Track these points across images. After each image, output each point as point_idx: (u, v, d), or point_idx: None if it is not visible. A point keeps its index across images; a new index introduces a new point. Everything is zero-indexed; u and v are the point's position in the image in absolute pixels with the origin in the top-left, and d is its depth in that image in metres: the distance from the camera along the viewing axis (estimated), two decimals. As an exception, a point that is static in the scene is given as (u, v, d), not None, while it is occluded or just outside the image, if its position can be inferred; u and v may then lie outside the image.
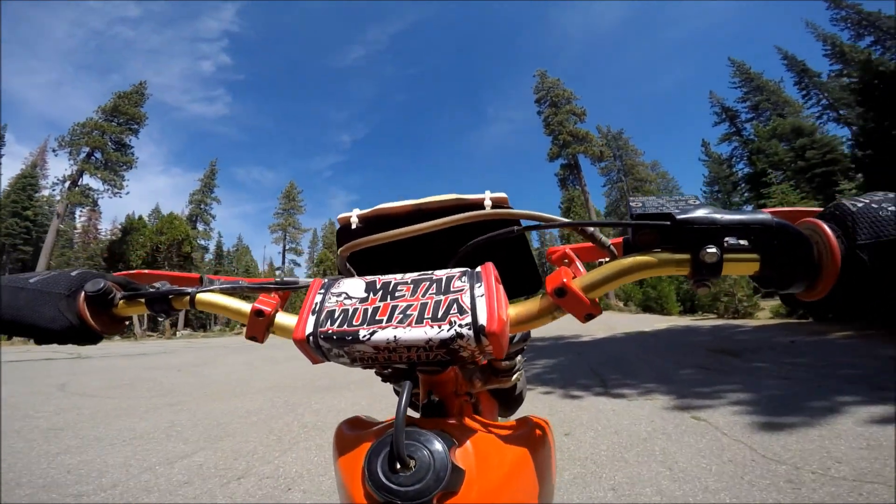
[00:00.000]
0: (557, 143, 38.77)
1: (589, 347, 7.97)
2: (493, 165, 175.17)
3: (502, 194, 0.44)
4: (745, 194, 33.70)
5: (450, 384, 0.44)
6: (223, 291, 0.46)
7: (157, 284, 0.48)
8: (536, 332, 7.32)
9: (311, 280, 0.41)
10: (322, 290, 0.38)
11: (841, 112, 30.28)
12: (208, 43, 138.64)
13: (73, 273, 0.48)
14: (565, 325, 12.45)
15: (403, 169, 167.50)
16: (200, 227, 49.53)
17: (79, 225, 50.75)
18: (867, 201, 0.32)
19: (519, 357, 0.67)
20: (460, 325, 0.32)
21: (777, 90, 34.58)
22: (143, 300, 0.46)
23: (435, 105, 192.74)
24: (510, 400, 0.84)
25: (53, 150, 35.71)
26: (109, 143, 36.48)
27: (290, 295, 0.48)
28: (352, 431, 0.41)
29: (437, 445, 0.31)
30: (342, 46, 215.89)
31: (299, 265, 63.00)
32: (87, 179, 35.68)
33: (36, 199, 36.47)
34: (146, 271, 0.57)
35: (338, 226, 0.49)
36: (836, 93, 30.00)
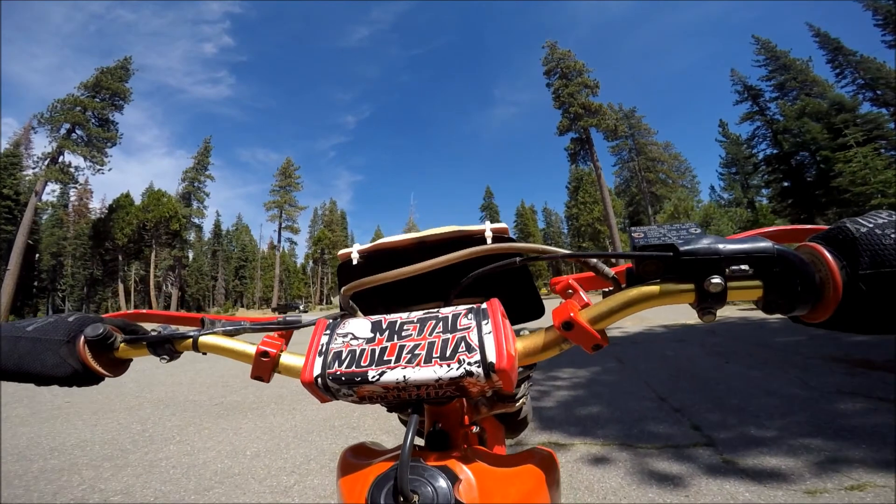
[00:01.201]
0: (568, 115, 36.16)
1: (630, 350, 5.79)
2: (499, 147, 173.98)
3: (503, 225, 0.45)
4: (766, 176, 32.81)
5: (455, 414, 0.44)
6: (226, 333, 0.46)
7: (158, 328, 0.47)
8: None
9: (314, 319, 0.41)
10: (328, 331, 0.38)
11: (878, 92, 28.11)
12: (210, 25, 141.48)
13: (71, 318, 0.47)
14: None
15: (408, 149, 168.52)
16: (195, 205, 47.69)
17: (71, 205, 49.39)
18: (871, 225, 0.32)
19: (525, 384, 0.67)
20: (469, 364, 0.32)
21: (805, 69, 32.30)
22: (144, 343, 0.46)
23: (440, 86, 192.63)
24: (515, 423, 0.83)
25: (33, 128, 34.38)
26: (92, 120, 34.93)
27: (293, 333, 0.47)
28: (356, 460, 0.41)
29: (441, 482, 0.31)
30: (346, 27, 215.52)
31: (296, 243, 61.47)
32: (70, 157, 34.00)
33: (18, 177, 34.58)
34: (143, 311, 0.54)
35: (339, 261, 0.50)
36: (873, 71, 27.80)
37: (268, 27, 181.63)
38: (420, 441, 0.41)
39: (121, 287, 38.18)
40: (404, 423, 0.64)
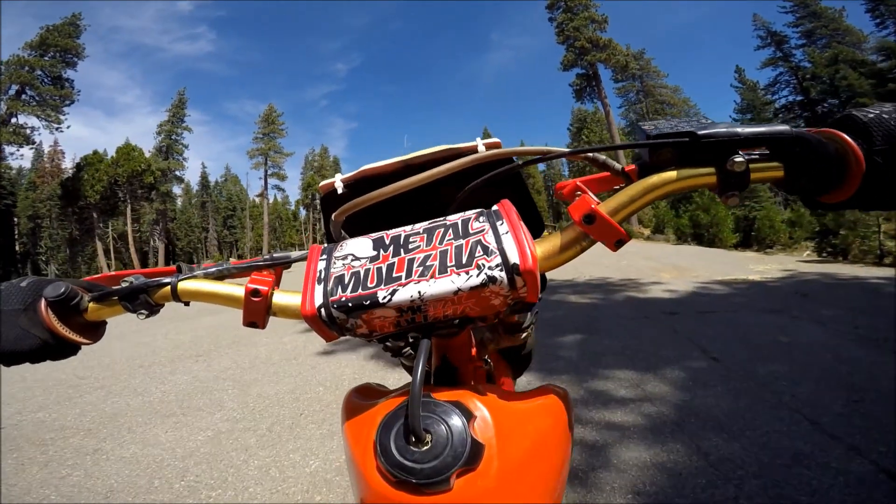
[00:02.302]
0: (574, 50, 32.35)
1: (707, 328, 3.89)
2: (497, 90, 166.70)
3: (495, 140, 0.42)
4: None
5: (464, 348, 0.42)
6: (208, 277, 0.41)
7: (129, 279, 0.41)
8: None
9: (305, 252, 0.38)
10: (324, 256, 0.34)
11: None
12: None
13: (24, 283, 0.41)
14: (593, 266, 9.04)
15: (403, 95, 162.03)
16: (175, 157, 44.96)
17: (42, 166, 46.79)
18: (877, 111, 0.33)
19: (530, 313, 0.63)
20: (490, 268, 0.28)
21: (837, 18, 31.17)
22: (116, 298, 0.40)
23: (434, 31, 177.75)
24: (519, 359, 0.80)
25: (-18, 95, 32.11)
26: (45, 79, 33.00)
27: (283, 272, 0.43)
28: (362, 400, 0.38)
29: (455, 418, 0.28)
30: None
31: (284, 190, 59.15)
32: (24, 119, 32.59)
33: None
34: (115, 273, 0.47)
35: (320, 194, 0.46)
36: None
37: None
38: (429, 386, 0.37)
39: (99, 245, 36.68)
40: (408, 369, 0.59)
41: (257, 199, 61.24)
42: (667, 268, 8.90)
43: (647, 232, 27.87)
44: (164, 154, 44.84)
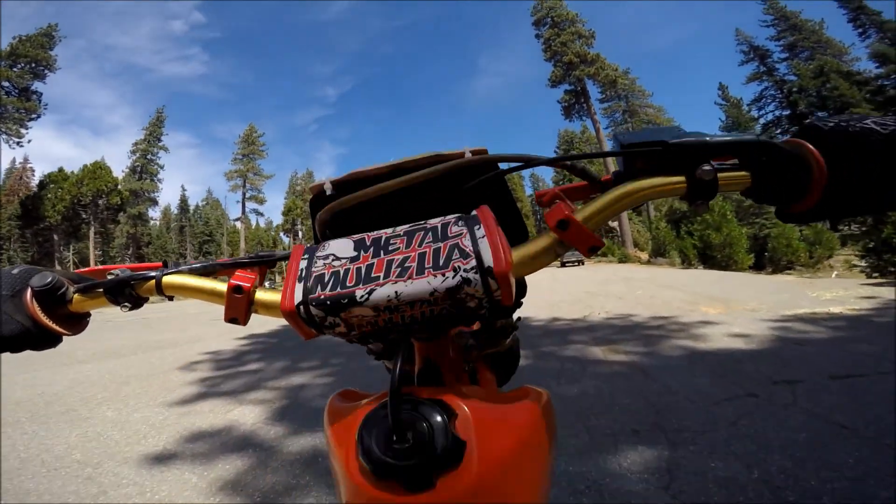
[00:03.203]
0: (561, 65, 31.82)
1: (860, 409, 2.25)
2: (484, 118, 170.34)
3: (482, 147, 0.42)
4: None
5: (446, 352, 0.43)
6: (193, 272, 0.42)
7: (115, 271, 0.43)
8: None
9: (289, 251, 0.38)
10: (306, 256, 0.35)
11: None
12: (179, 2, 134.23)
13: (15, 270, 0.42)
14: (604, 297, 7.26)
15: (391, 121, 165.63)
16: (147, 178, 42.96)
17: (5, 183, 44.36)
18: (837, 120, 0.34)
19: (515, 315, 0.66)
20: (465, 270, 0.29)
21: (817, 30, 32.29)
22: (101, 290, 0.41)
23: (423, 57, 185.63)
24: (505, 365, 0.79)
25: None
26: (13, 91, 31.32)
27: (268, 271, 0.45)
28: (343, 403, 0.39)
29: (436, 416, 0.28)
30: None
31: (262, 214, 57.19)
32: None
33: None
34: (103, 266, 0.49)
35: (310, 195, 0.45)
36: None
37: (241, 2, 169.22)
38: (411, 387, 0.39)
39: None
40: (393, 363, 0.57)
41: (239, 224, 59.35)
42: (702, 299, 7.23)
43: (644, 255, 26.61)
44: (137, 174, 43.08)
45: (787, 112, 32.07)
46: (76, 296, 0.42)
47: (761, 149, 0.34)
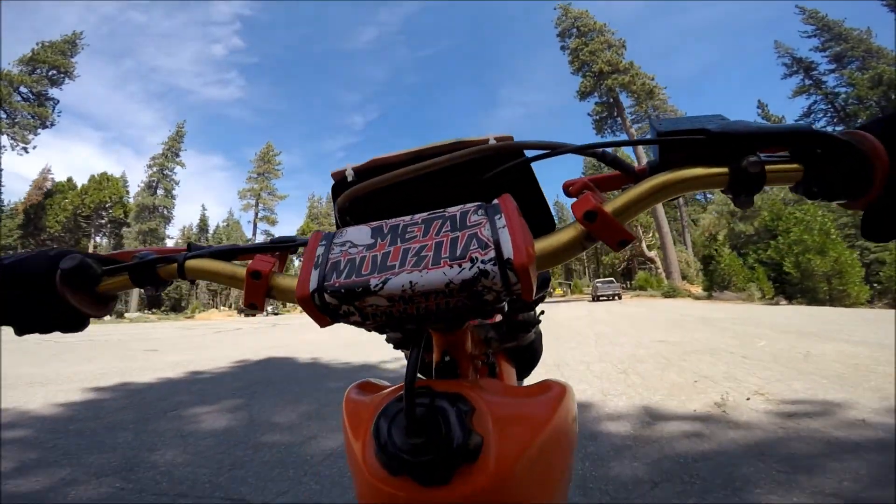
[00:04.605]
0: (591, 75, 29.32)
1: None
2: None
3: (508, 135, 0.40)
4: None
5: (465, 344, 0.42)
6: (214, 255, 0.42)
7: (139, 254, 0.43)
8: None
9: (308, 236, 0.38)
10: (324, 242, 0.34)
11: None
12: (220, 26, 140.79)
13: (51, 252, 0.43)
14: (710, 357, 4.28)
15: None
16: (161, 193, 42.21)
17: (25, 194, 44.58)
18: None
19: (538, 308, 0.65)
20: (483, 262, 0.28)
21: (865, 38, 29.62)
22: (126, 273, 0.42)
23: (447, 87, 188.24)
24: (526, 360, 0.78)
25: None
26: (30, 95, 30.81)
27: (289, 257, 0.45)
28: (361, 396, 0.38)
29: (453, 410, 0.28)
30: (354, 28, 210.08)
31: (273, 236, 56.07)
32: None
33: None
34: (128, 250, 0.49)
35: (332, 181, 0.45)
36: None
37: (277, 28, 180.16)
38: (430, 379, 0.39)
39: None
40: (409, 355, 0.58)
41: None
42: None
43: (695, 289, 22.91)
44: (153, 189, 42.45)
45: (839, 128, 28.75)
46: (103, 278, 0.42)
47: (816, 139, 0.31)
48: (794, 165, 0.32)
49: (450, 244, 0.30)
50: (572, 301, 22.41)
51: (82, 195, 31.59)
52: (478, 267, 0.28)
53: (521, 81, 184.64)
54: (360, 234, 0.34)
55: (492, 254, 0.28)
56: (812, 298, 12.77)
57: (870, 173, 0.31)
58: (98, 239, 34.05)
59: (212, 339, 10.99)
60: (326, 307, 0.30)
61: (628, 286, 36.96)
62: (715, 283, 19.51)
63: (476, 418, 0.29)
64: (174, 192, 44.17)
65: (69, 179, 33.58)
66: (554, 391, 0.36)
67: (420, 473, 0.26)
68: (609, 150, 0.37)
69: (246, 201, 46.85)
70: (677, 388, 3.46)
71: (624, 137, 30.45)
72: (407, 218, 0.34)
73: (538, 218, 0.43)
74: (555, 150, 0.37)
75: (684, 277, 23.29)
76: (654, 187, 0.32)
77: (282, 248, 0.42)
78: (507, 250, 0.28)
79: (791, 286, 13.63)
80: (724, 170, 0.32)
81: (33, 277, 0.39)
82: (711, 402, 3.03)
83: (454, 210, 0.33)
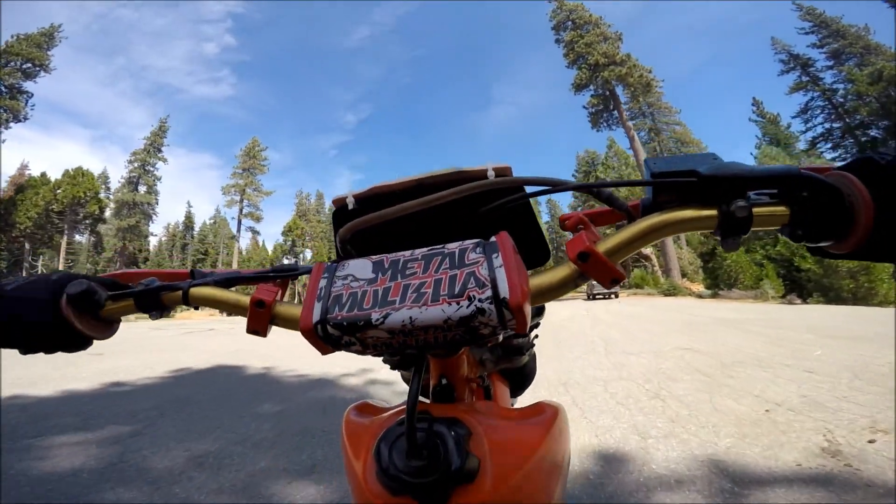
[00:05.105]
0: (587, 67, 28.49)
1: None
2: (500, 145, 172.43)
3: (505, 164, 0.41)
4: (830, 153, 29.36)
5: (461, 368, 0.43)
6: (218, 284, 0.43)
7: (144, 281, 0.45)
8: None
9: (311, 266, 0.39)
10: (326, 275, 0.35)
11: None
12: (212, 24, 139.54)
13: (53, 277, 0.44)
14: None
15: (408, 149, 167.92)
16: (143, 189, 40.74)
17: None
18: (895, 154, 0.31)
19: (532, 333, 0.67)
20: (480, 300, 0.29)
21: (863, 35, 29.49)
22: (131, 298, 0.43)
23: (440, 86, 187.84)
24: (520, 379, 0.82)
25: None
26: (2, 88, 29.40)
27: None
28: (361, 418, 0.39)
29: (451, 433, 0.30)
30: (348, 27, 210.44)
31: (258, 233, 54.46)
32: None
33: None
34: (133, 271, 0.52)
35: (333, 208, 0.47)
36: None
37: (270, 27, 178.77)
38: (427, 401, 0.41)
39: (27, 283, 31.04)
40: (408, 382, 0.62)
41: (244, 248, 56.85)
42: None
43: (696, 287, 22.17)
44: (133, 185, 40.92)
45: (837, 125, 29.31)
46: (108, 302, 0.43)
47: (803, 182, 0.31)
48: (781, 208, 0.32)
49: (448, 282, 0.30)
50: (567, 299, 21.48)
51: (55, 190, 30.05)
52: (475, 305, 0.28)
53: (513, 82, 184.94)
54: (361, 267, 0.34)
55: (488, 292, 0.29)
56: (834, 297, 11.94)
57: (850, 219, 0.31)
58: (77, 237, 32.53)
59: (176, 341, 9.97)
60: (329, 338, 0.31)
61: (624, 284, 36.23)
62: (720, 281, 18.73)
63: (473, 441, 0.30)
64: (157, 188, 42.76)
65: (42, 174, 32.04)
66: (547, 413, 0.37)
67: (420, 494, 0.27)
68: (605, 189, 0.37)
69: (230, 197, 45.29)
70: (748, 424, 2.47)
71: (617, 134, 29.85)
72: (407, 253, 0.34)
73: (534, 250, 0.46)
74: (554, 187, 0.38)
75: (684, 275, 22.51)
76: (645, 229, 0.33)
77: (283, 275, 0.42)
78: (504, 289, 0.28)
79: (806, 284, 12.82)
80: (714, 212, 0.32)
81: (38, 303, 0.40)
82: (816, 447, 2.07)
83: (453, 247, 0.33)
